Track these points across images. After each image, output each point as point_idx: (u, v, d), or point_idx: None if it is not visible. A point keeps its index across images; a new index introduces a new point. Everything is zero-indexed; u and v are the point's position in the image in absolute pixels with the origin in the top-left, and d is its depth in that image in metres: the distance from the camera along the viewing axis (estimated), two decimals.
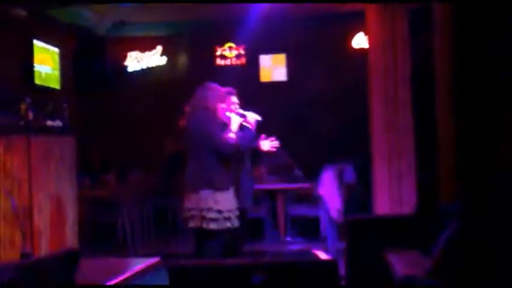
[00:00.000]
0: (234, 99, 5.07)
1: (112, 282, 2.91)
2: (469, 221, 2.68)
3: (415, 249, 3.77)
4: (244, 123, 4.93)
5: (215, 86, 4.79)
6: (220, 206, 4.54)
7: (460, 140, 4.57)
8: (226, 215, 4.55)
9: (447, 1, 4.70)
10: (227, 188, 4.62)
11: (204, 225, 4.52)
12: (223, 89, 4.86)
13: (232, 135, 4.65)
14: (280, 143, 5.00)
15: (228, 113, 4.80)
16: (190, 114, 4.70)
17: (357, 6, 7.58)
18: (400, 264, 3.46)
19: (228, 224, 4.56)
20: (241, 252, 5.08)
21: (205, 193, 4.53)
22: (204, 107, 4.66)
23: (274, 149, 5.01)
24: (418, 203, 6.59)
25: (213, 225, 4.51)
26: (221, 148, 4.59)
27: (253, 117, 4.91)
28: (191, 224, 4.58)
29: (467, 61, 4.51)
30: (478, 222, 2.66)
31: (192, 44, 9.93)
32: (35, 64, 7.72)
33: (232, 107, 4.94)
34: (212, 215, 4.51)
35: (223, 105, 4.79)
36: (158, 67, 9.90)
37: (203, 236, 4.59)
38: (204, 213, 4.51)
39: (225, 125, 4.74)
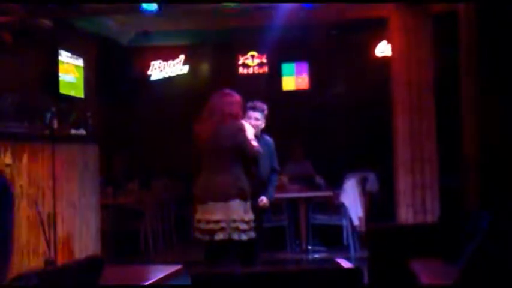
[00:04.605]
0: (255, 114, 5.07)
1: None
2: (496, 232, 2.64)
3: (439, 257, 3.73)
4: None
5: (233, 92, 4.71)
6: (249, 216, 4.49)
7: (486, 148, 4.51)
8: (252, 224, 4.50)
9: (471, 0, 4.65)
10: (249, 198, 4.58)
11: (236, 237, 4.40)
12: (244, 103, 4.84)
13: (255, 143, 4.61)
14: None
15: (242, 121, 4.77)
16: (215, 121, 4.56)
17: (380, 13, 7.53)
18: (425, 273, 3.43)
19: (252, 235, 4.50)
20: (259, 260, 5.02)
21: (236, 203, 4.43)
22: (233, 115, 4.58)
23: None
24: (442, 211, 6.54)
25: (244, 236, 4.43)
26: (256, 157, 4.55)
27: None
28: (219, 237, 4.41)
29: (493, 68, 4.47)
30: (505, 233, 2.63)
31: (215, 53, 9.97)
32: (60, 74, 7.81)
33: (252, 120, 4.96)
34: (245, 226, 4.43)
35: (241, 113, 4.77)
36: (181, 76, 9.95)
37: (227, 247, 4.47)
38: (236, 224, 4.40)
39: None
